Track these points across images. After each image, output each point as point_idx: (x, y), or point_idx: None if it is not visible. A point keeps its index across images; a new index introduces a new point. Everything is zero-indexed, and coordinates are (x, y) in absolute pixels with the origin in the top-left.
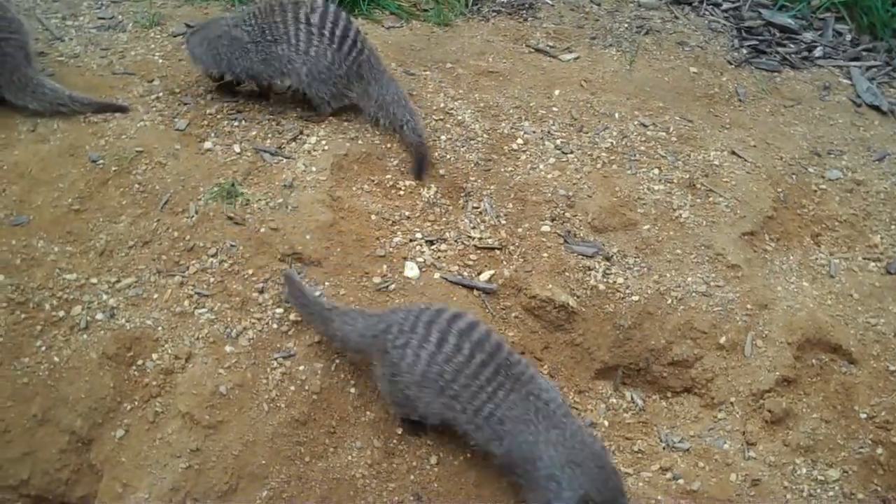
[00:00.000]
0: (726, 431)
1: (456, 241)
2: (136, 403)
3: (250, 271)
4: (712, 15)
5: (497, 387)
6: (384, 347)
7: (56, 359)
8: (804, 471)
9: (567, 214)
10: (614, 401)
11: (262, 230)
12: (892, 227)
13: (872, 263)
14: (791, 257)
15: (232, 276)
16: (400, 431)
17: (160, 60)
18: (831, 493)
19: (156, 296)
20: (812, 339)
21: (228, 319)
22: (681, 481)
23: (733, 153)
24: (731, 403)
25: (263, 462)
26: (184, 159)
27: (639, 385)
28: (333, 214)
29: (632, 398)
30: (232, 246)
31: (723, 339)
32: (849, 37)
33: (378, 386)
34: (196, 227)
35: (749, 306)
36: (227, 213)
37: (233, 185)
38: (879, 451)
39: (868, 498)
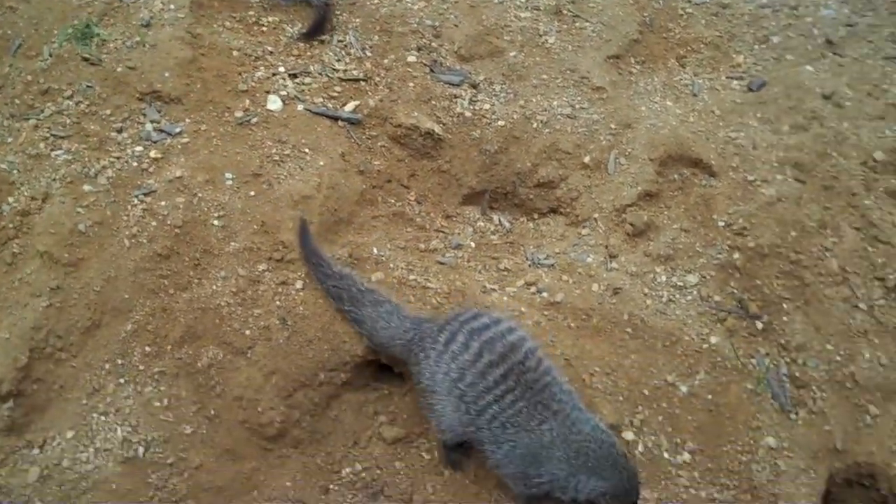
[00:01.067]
0: (590, 246)
1: (320, 73)
2: None
3: (108, 111)
4: None
5: (505, 391)
6: (412, 357)
7: None
8: (664, 278)
9: (433, 44)
10: (482, 224)
11: (120, 70)
12: (756, 47)
13: (735, 82)
14: (656, 79)
15: (89, 116)
16: (262, 267)
17: None
18: (689, 298)
19: (10, 140)
20: (674, 155)
21: (86, 159)
22: (545, 294)
23: None
24: (595, 220)
25: (126, 296)
26: (36, 3)
27: (506, 208)
28: (193, 52)
29: (499, 221)
30: (88, 87)
31: (587, 159)
32: None
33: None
34: (51, 70)
35: (613, 126)
36: (83, 55)
37: (88, 25)
38: (736, 255)
39: (725, 300)
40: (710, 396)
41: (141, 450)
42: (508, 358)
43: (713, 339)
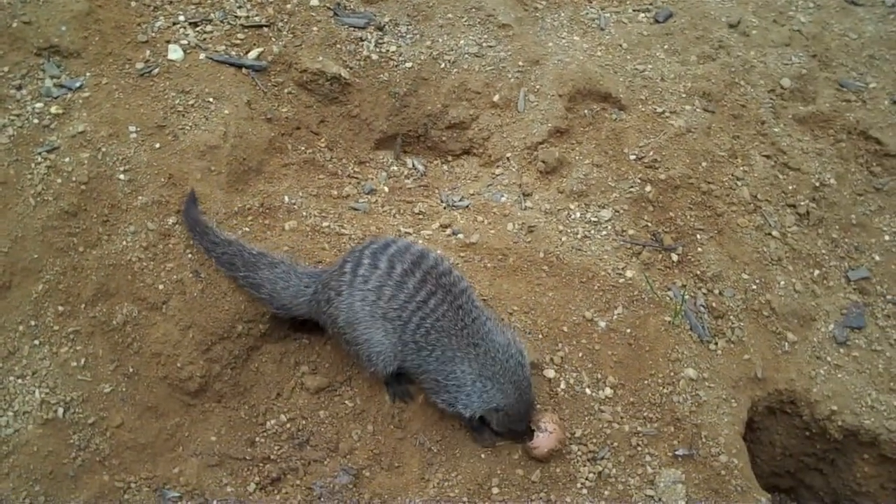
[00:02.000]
0: (503, 186)
1: (222, 21)
2: None
3: (6, 68)
4: None
5: (427, 295)
6: (320, 308)
7: None
8: (578, 214)
9: None
10: (395, 168)
11: (15, 25)
12: None
13: (642, 14)
14: (562, 14)
15: None
16: (172, 221)
17: None
18: (604, 233)
19: None
20: (583, 90)
21: None
22: (460, 236)
23: None
24: (508, 159)
25: (36, 256)
26: None
27: (419, 152)
28: (89, 3)
29: (413, 164)
30: None
31: (496, 98)
32: None
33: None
34: None
35: (521, 63)
36: None
37: None
38: (648, 188)
39: (639, 233)
40: (628, 331)
41: (61, 411)
42: (420, 264)
43: (629, 273)
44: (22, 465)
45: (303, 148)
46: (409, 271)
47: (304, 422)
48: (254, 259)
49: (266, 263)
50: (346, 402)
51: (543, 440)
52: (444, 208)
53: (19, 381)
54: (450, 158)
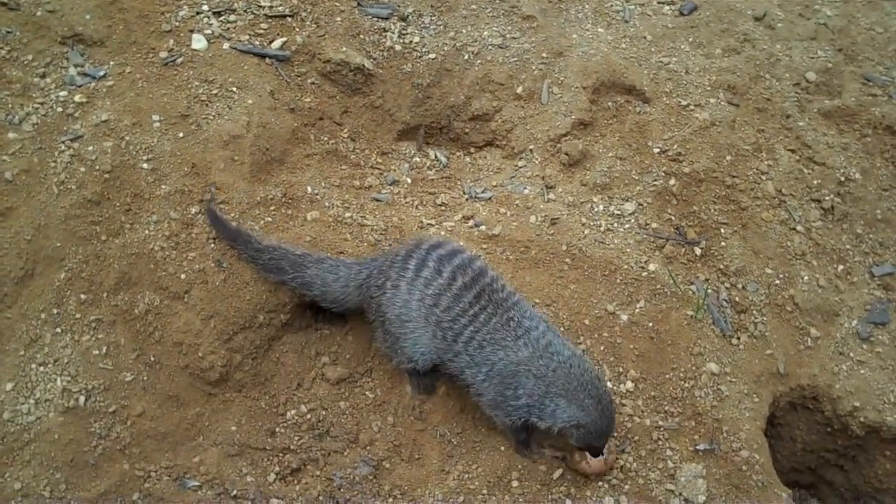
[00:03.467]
0: (526, 178)
1: (245, 11)
2: None
3: (30, 57)
4: None
5: (479, 310)
6: (370, 294)
7: None
8: (601, 207)
9: None
10: (418, 160)
11: (39, 13)
12: None
13: (667, 7)
14: (586, 6)
15: (11, 63)
16: (194, 210)
17: None
18: (627, 226)
19: None
20: (607, 82)
21: (10, 106)
22: (483, 228)
23: None
24: (531, 151)
25: (59, 244)
26: None
27: (442, 143)
28: None
29: (435, 156)
30: (8, 32)
31: (520, 90)
32: None
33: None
34: None
35: (545, 55)
36: (1, 0)
37: None
38: (672, 182)
39: (662, 226)
40: (650, 324)
41: (82, 399)
42: (479, 281)
43: (652, 267)
44: (43, 452)
45: (325, 138)
46: (468, 286)
47: (324, 412)
48: (300, 259)
49: (312, 261)
50: (367, 393)
51: (596, 463)
52: (467, 200)
53: (41, 368)
54: (472, 150)
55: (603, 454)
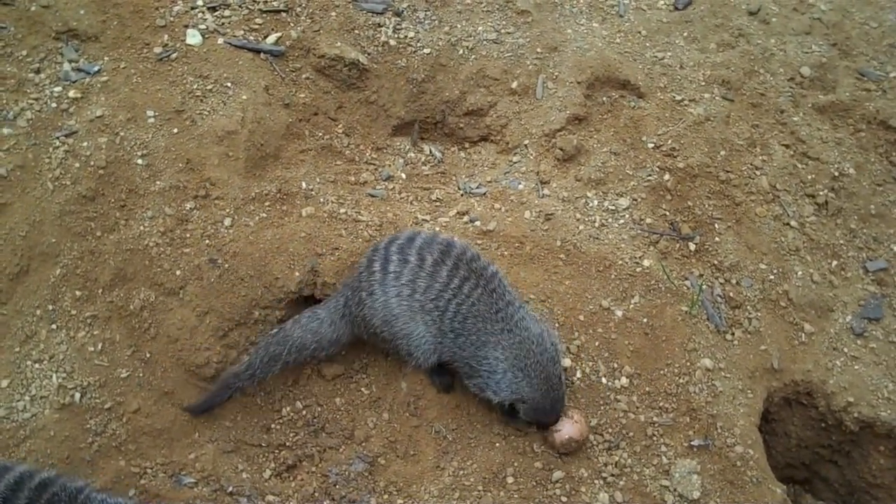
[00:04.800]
0: (521, 173)
1: (240, 6)
2: None
3: (24, 52)
4: None
5: (461, 281)
6: (354, 315)
7: None
8: (595, 202)
9: None
10: (413, 155)
11: (33, 9)
12: None
13: (661, 1)
14: (581, 0)
15: (5, 58)
16: (189, 206)
17: None
18: (621, 221)
19: None
20: (601, 77)
21: (4, 102)
22: (478, 223)
23: None
24: (525, 146)
25: (53, 240)
26: None
27: (437, 138)
28: None
29: (430, 151)
30: (2, 28)
31: (514, 85)
32: None
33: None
34: None
35: (539, 50)
36: None
37: None
38: (666, 177)
39: (657, 222)
40: (645, 320)
41: (77, 395)
42: (449, 253)
43: (646, 262)
44: (39, 449)
45: (320, 134)
46: (439, 260)
47: (319, 409)
48: (280, 334)
49: (291, 325)
50: (362, 389)
51: (566, 425)
52: (462, 195)
53: (36, 365)
54: (467, 145)
55: (559, 430)
